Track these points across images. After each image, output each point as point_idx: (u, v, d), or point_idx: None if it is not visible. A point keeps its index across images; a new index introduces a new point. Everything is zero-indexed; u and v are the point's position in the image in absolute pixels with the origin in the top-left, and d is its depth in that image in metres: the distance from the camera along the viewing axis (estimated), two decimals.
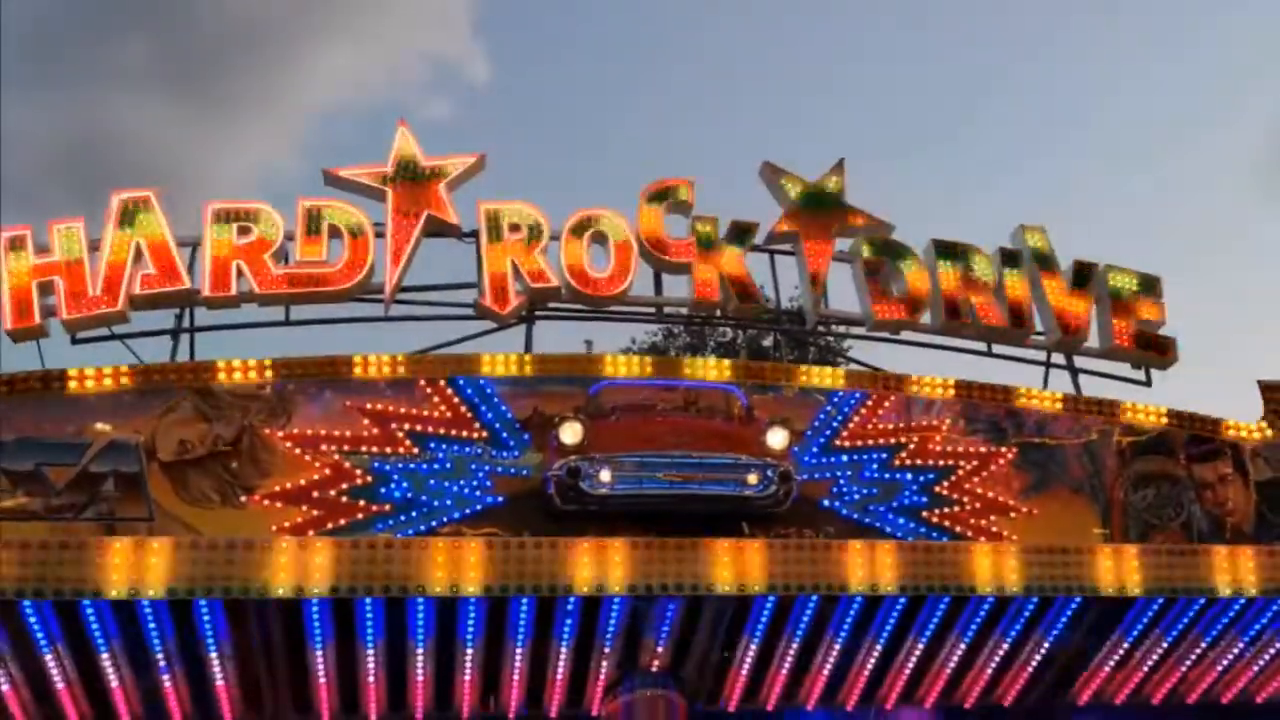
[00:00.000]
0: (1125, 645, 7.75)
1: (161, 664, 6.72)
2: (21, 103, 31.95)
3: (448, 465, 7.64)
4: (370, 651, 6.87)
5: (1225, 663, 8.08)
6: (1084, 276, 9.29)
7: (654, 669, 7.22)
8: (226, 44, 33.93)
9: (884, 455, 8.33)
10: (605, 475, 7.39)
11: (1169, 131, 37.04)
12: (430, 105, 36.77)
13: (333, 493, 7.47)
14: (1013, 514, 8.42)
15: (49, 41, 32.90)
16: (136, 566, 6.01)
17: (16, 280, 7.72)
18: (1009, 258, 9.22)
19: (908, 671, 7.71)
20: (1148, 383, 9.51)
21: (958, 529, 8.28)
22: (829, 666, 7.53)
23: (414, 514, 7.51)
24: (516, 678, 7.28)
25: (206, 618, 6.40)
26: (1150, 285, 9.48)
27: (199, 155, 35.26)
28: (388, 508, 7.50)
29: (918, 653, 7.54)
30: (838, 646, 7.36)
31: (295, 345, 8.08)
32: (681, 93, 38.34)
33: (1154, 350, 9.38)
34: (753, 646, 7.24)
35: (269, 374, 7.60)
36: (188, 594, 6.09)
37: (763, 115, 35.80)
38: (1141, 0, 36.36)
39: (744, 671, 7.45)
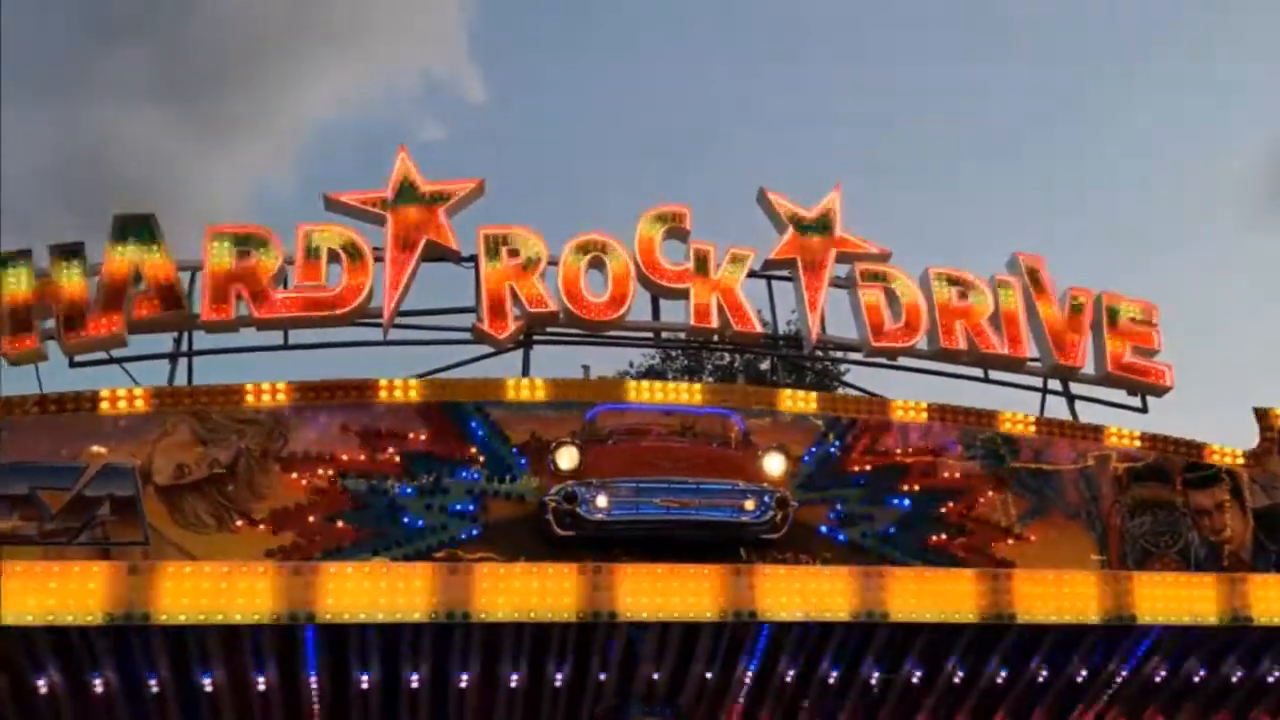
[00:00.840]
0: (1123, 673, 7.72)
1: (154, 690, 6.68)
2: (17, 117, 32.13)
3: (444, 490, 7.63)
4: (364, 678, 6.83)
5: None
6: (1079, 304, 9.35)
7: (650, 696, 7.18)
8: (223, 61, 34.19)
9: (881, 481, 8.33)
10: (602, 500, 7.39)
11: (1164, 155, 37.34)
12: (427, 124, 36.96)
13: (328, 517, 7.45)
14: (1010, 540, 8.42)
15: (46, 57, 33.16)
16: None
17: (14, 303, 7.73)
18: (1005, 285, 9.27)
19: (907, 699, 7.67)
20: (1144, 409, 9.55)
21: (956, 554, 8.26)
22: (827, 694, 7.49)
23: (409, 538, 7.49)
24: (511, 705, 7.24)
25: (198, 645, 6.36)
26: (1144, 313, 9.55)
27: (196, 172, 35.43)
28: (383, 532, 7.48)
29: (915, 680, 7.51)
30: (834, 674, 7.32)
31: (293, 369, 8.11)
32: (680, 115, 38.63)
33: (1149, 377, 9.42)
34: (749, 674, 7.20)
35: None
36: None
37: (762, 140, 36.04)
38: (1137, 27, 36.75)
39: (741, 699, 7.41)
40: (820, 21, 37.53)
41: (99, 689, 6.50)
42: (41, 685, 6.40)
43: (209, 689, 6.66)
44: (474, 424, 7.83)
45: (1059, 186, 36.09)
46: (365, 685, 6.87)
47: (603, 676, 7.04)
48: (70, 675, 6.45)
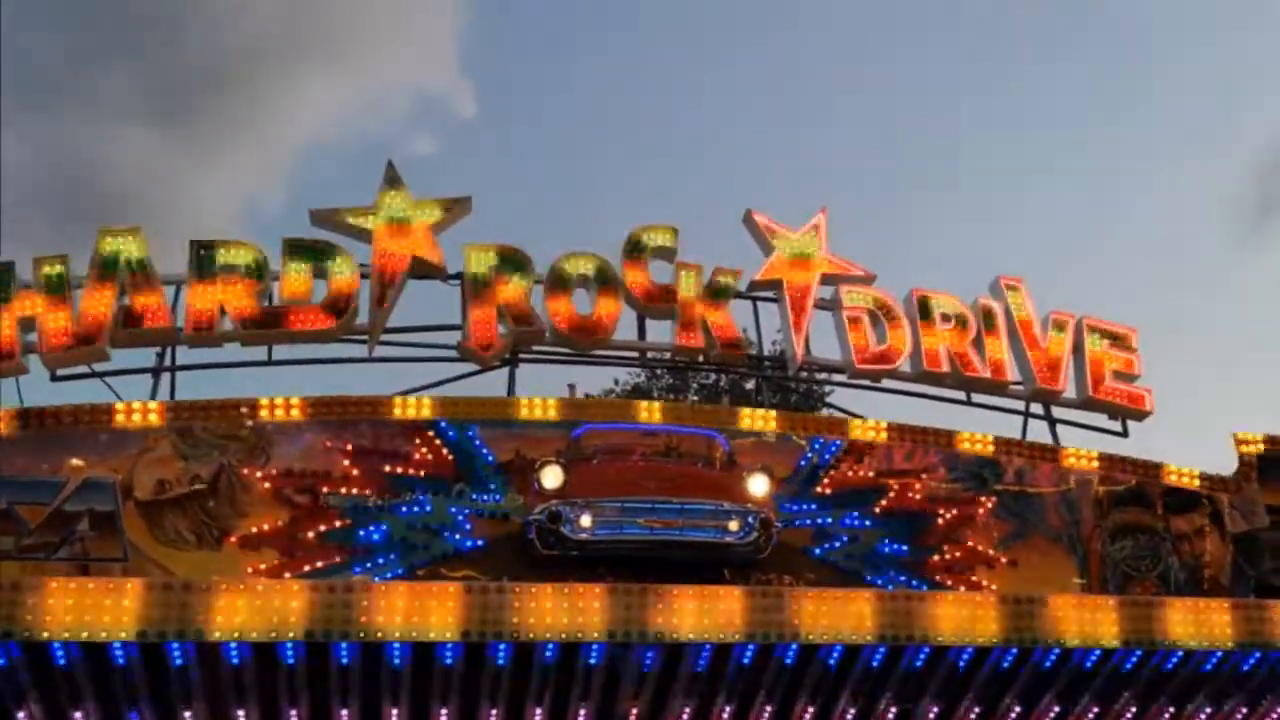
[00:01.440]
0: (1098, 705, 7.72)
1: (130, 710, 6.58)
2: (7, 131, 31.97)
3: (427, 508, 7.60)
4: (343, 698, 6.75)
5: None
6: (1060, 328, 9.44)
7: (631, 719, 7.15)
8: (213, 76, 34.19)
9: (865, 502, 8.36)
10: (585, 520, 7.37)
11: (1147, 175, 37.74)
12: (416, 140, 37.04)
13: (310, 535, 7.41)
14: (992, 564, 8.45)
15: (34, 71, 33.04)
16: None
17: None
18: (987, 309, 9.35)
19: None
20: (1124, 433, 9.63)
21: (937, 578, 8.29)
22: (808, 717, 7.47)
23: (392, 557, 7.45)
24: None
25: (178, 661, 6.29)
26: (1125, 337, 9.65)
27: (183, 187, 35.33)
28: (365, 550, 7.44)
29: (895, 708, 7.49)
30: (819, 699, 7.30)
31: (276, 385, 8.07)
32: (668, 134, 38.84)
33: (1129, 401, 9.51)
34: (732, 698, 7.16)
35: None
36: (158, 636, 6.00)
37: (749, 160, 36.27)
38: (1119, 46, 37.21)
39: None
40: (816, 24, 37.93)
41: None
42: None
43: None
44: (459, 442, 7.81)
45: (1054, 195, 36.42)
46: (343, 704, 6.79)
47: (584, 697, 6.99)
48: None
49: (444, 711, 6.79)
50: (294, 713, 6.64)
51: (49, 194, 33.12)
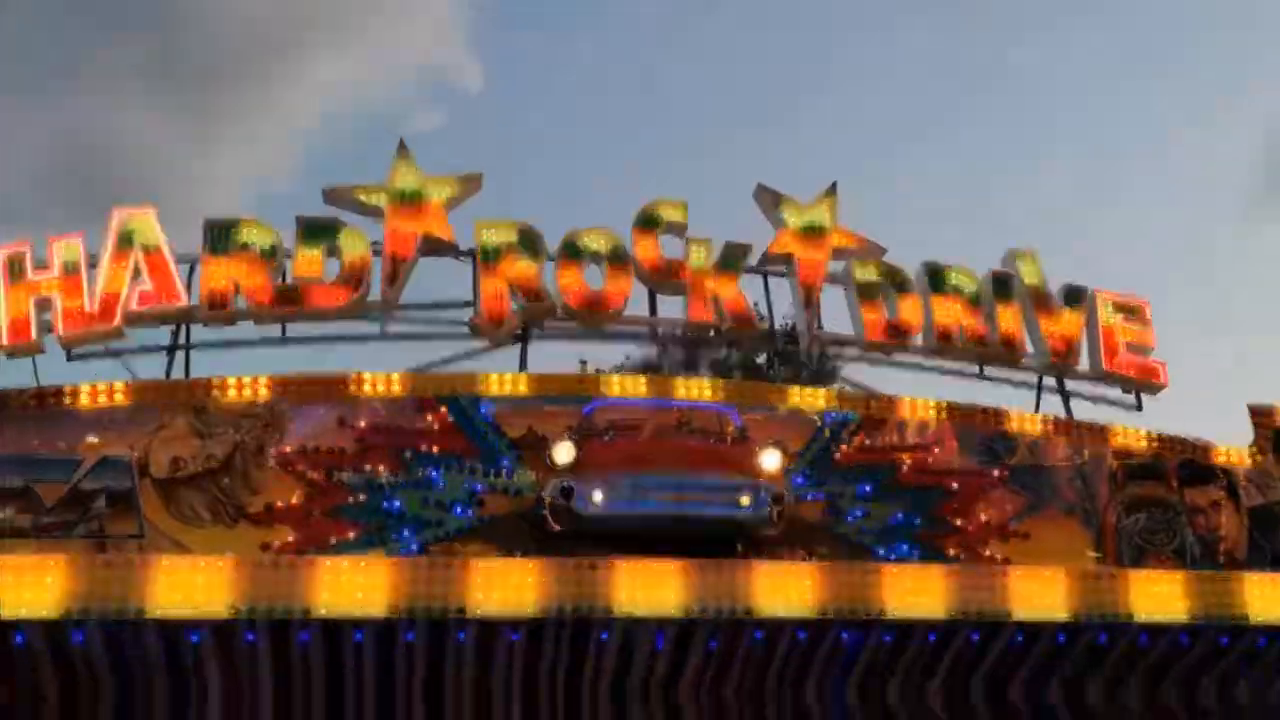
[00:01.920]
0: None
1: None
2: (15, 111, 32.03)
3: (440, 484, 7.64)
4: (357, 675, 6.82)
5: None
6: (1074, 300, 9.37)
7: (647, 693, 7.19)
8: (221, 55, 34.02)
9: (878, 476, 8.35)
10: (598, 496, 7.40)
11: (1158, 147, 37.34)
12: (425, 114, 36.88)
13: (324, 511, 7.46)
14: (1007, 537, 8.44)
15: (43, 50, 33.04)
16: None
17: (13, 296, 7.72)
18: (1000, 281, 9.28)
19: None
20: (1139, 406, 9.57)
21: (951, 551, 8.29)
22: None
23: (405, 533, 7.50)
24: (512, 698, 7.23)
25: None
26: (1139, 310, 9.57)
27: (191, 165, 35.30)
28: (378, 527, 7.49)
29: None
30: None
31: (291, 362, 8.10)
32: (678, 109, 38.60)
33: (1144, 374, 9.45)
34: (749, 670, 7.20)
35: (265, 392, 7.58)
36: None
37: (760, 135, 36.01)
38: (1130, 18, 36.72)
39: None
40: (823, 9, 37.56)
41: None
42: None
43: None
44: (471, 418, 7.83)
45: (1058, 177, 36.11)
46: (359, 684, 6.85)
47: (600, 670, 7.04)
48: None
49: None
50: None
51: (60, 174, 33.21)
